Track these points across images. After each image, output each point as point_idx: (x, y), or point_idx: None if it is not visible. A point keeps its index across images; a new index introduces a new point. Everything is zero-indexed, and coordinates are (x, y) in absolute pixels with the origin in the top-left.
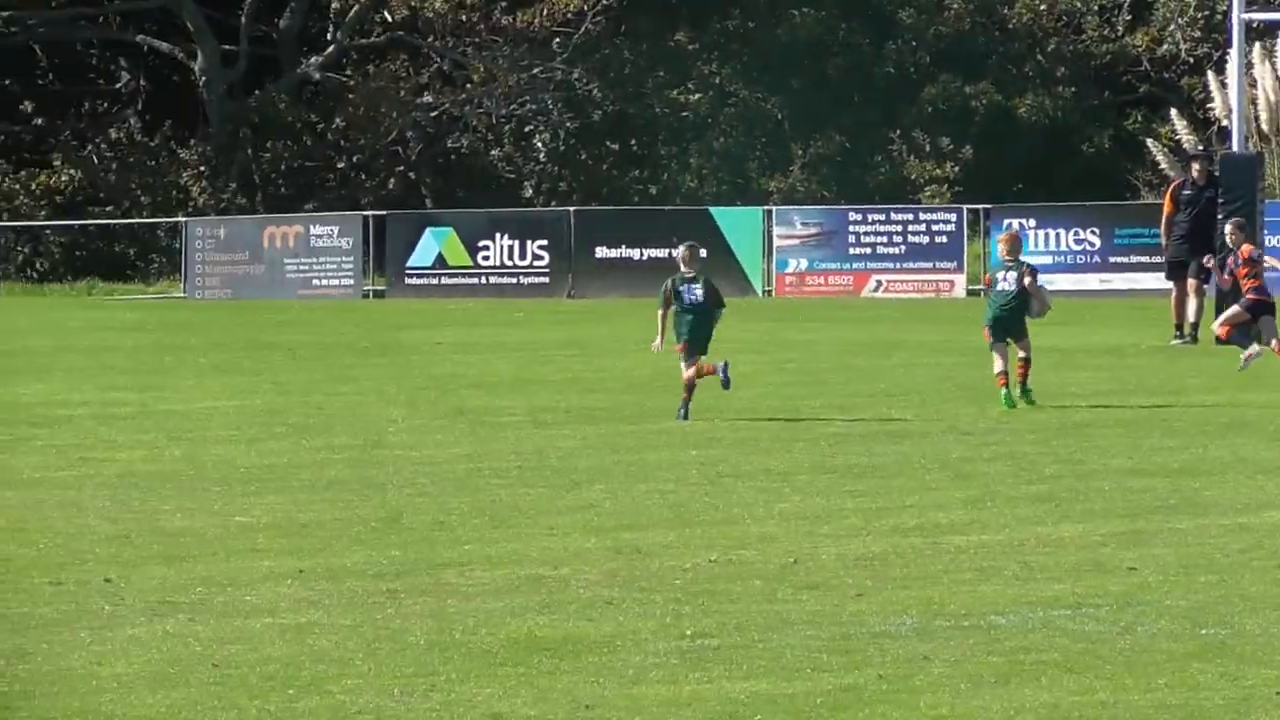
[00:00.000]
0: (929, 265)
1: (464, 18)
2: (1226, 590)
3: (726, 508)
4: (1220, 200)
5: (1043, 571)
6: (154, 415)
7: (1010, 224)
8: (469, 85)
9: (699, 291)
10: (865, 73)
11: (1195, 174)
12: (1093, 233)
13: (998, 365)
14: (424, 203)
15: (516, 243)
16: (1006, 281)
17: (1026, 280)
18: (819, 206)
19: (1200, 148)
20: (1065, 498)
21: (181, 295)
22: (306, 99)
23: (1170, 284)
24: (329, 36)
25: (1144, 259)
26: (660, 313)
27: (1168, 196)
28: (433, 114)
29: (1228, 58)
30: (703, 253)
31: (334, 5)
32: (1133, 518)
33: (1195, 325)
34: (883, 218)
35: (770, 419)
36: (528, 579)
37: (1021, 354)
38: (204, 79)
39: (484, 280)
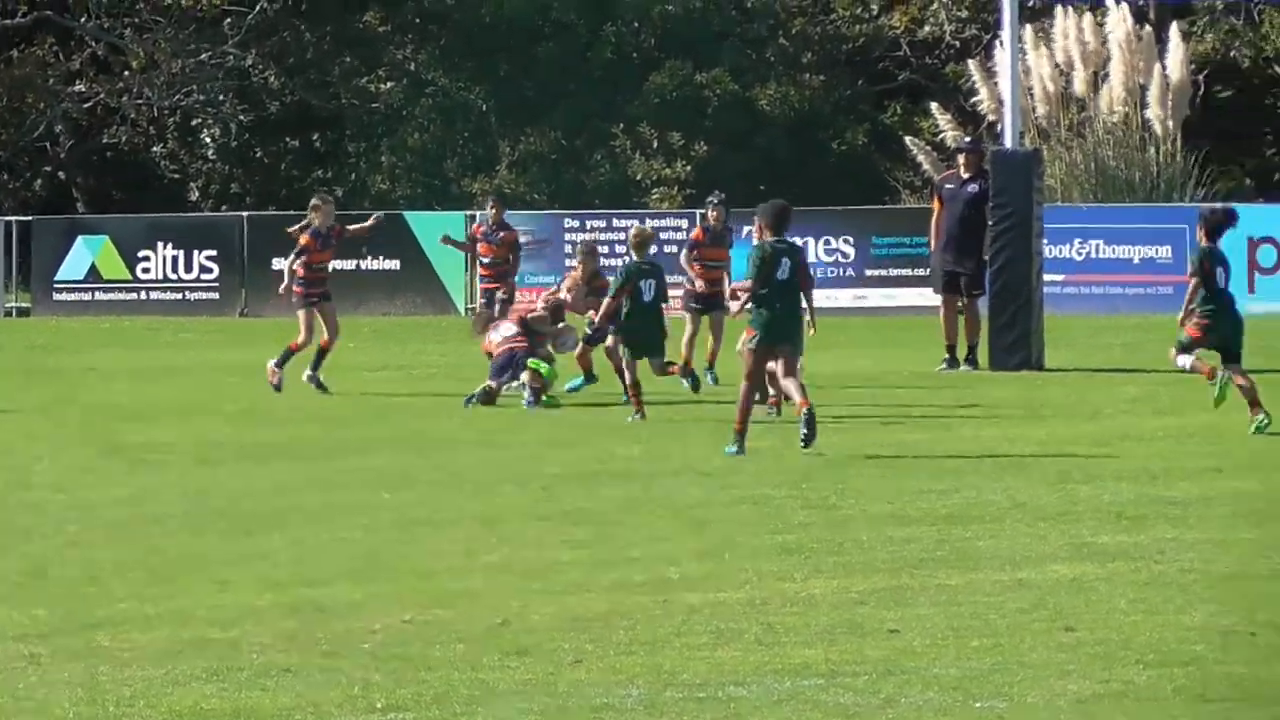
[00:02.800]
0: None
1: None
2: (1003, 656)
3: (423, 559)
4: (990, 203)
5: (790, 634)
6: None
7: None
8: (127, 73)
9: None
10: (581, 58)
11: (961, 166)
12: (846, 241)
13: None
14: (75, 207)
15: (181, 253)
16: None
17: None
18: (530, 212)
19: (969, 140)
20: (816, 549)
21: None
22: None
23: (939, 298)
24: None
25: (905, 271)
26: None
27: (934, 195)
28: (85, 105)
29: (998, 42)
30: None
31: None
32: (894, 572)
33: (972, 348)
34: (603, 224)
35: (475, 455)
36: (193, 642)
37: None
38: None
39: (144, 295)
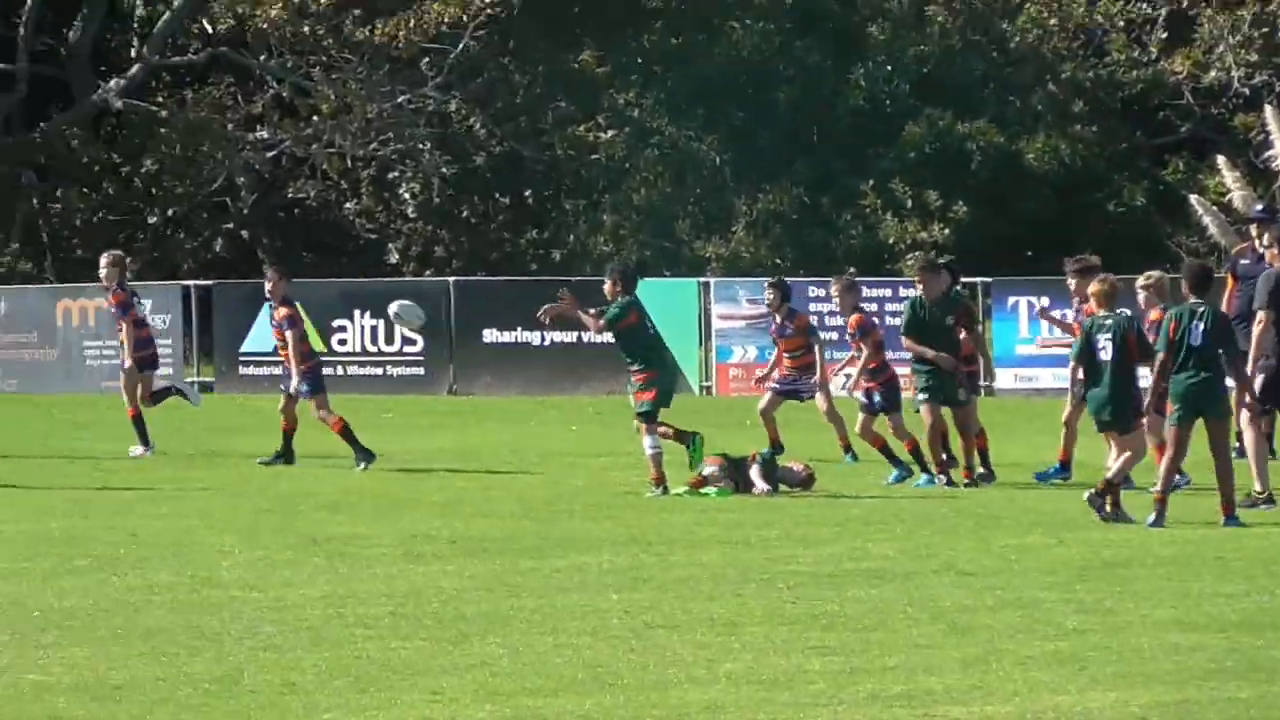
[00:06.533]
0: None
1: (307, 29)
2: None
3: (658, 668)
4: None
5: None
6: None
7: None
8: (315, 118)
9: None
10: (827, 104)
11: (1264, 243)
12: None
13: None
14: (260, 269)
15: (381, 322)
16: None
17: None
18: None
19: (1260, 208)
20: (1092, 657)
21: None
22: (106, 134)
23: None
24: (133, 53)
25: None
26: None
27: (1229, 272)
28: (269, 154)
29: None
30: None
31: (139, 11)
32: (1179, 684)
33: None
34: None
35: (714, 552)
36: None
37: None
38: None
39: (341, 370)
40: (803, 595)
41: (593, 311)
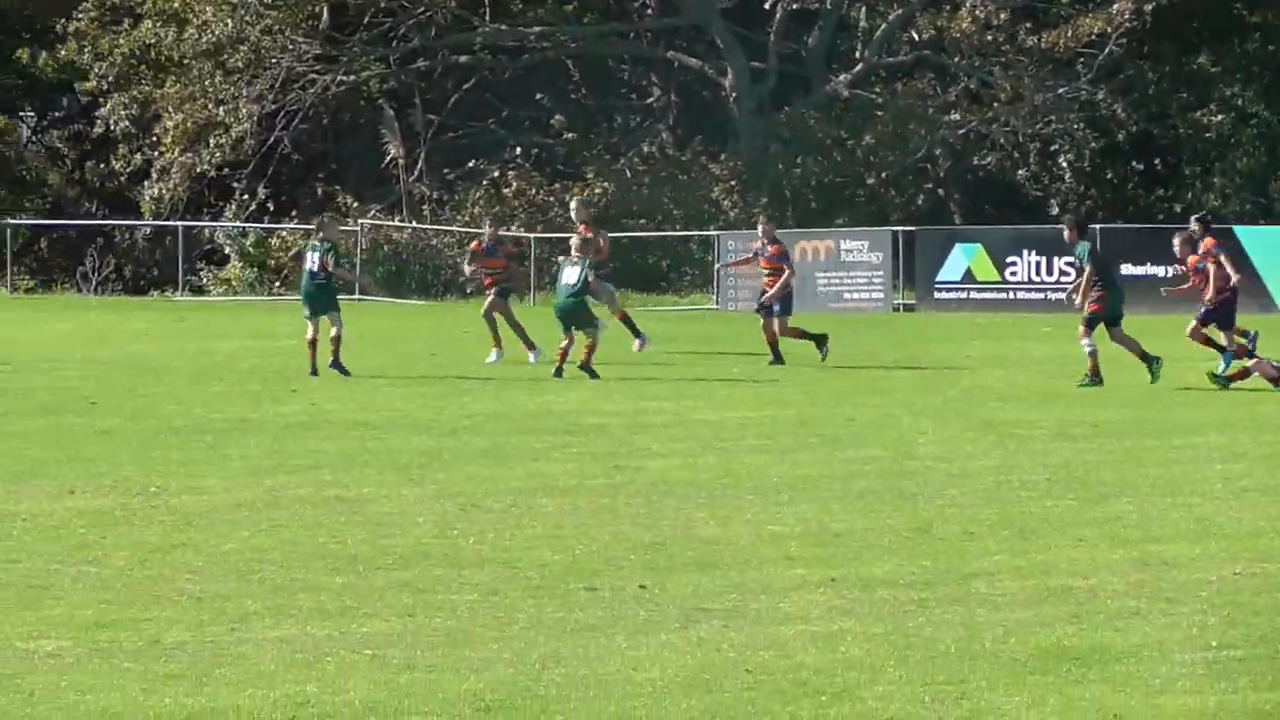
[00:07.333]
0: None
1: (990, 37)
2: None
3: (1252, 521)
4: None
5: None
6: (687, 424)
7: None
8: (995, 104)
9: None
10: None
11: None
12: None
13: None
14: (952, 219)
15: (1043, 259)
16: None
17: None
18: None
19: None
20: None
21: (713, 307)
22: (835, 115)
23: None
24: (857, 54)
25: None
26: None
27: None
28: (959, 131)
29: None
30: None
31: (862, 24)
32: None
33: None
34: None
35: None
36: (1055, 589)
37: None
38: (734, 95)
39: (1011, 295)
40: None
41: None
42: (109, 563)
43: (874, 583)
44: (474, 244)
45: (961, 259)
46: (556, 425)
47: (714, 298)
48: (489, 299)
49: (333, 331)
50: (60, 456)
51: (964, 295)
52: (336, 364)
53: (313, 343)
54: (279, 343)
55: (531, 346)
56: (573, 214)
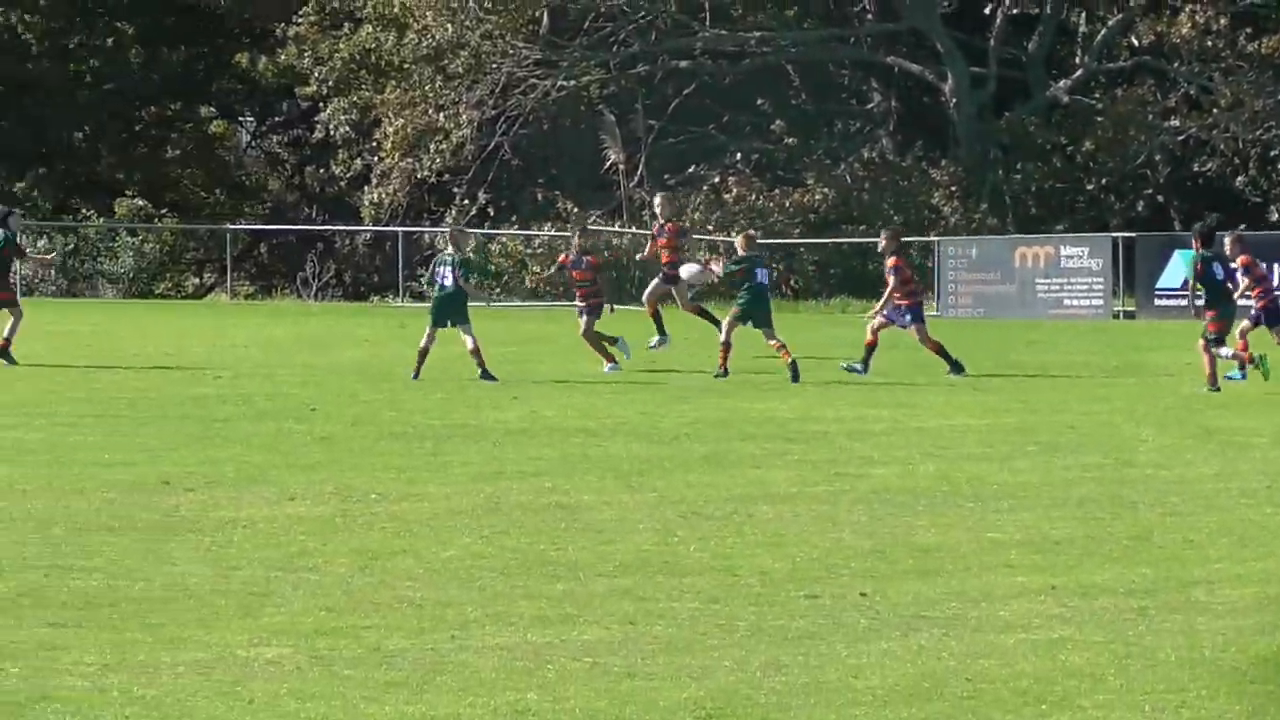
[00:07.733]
0: None
1: (1210, 43)
2: None
3: None
4: None
5: None
6: (906, 432)
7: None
8: (1215, 110)
9: None
10: None
11: None
12: None
13: None
14: (1172, 225)
15: (1265, 265)
16: None
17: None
18: None
19: None
20: None
21: (934, 313)
22: (1055, 121)
23: None
24: (1077, 60)
25: None
26: None
27: None
28: (1179, 137)
29: None
30: None
31: (1082, 30)
32: None
33: None
34: None
35: None
36: (1276, 598)
37: None
38: (954, 100)
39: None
40: None
41: None
42: (329, 570)
43: (1094, 590)
44: (561, 256)
45: (1182, 265)
46: (777, 432)
47: (934, 303)
48: (582, 321)
49: (468, 345)
50: (280, 463)
51: (1184, 302)
52: (485, 374)
53: (424, 351)
54: (505, 349)
55: (612, 360)
56: (657, 210)
